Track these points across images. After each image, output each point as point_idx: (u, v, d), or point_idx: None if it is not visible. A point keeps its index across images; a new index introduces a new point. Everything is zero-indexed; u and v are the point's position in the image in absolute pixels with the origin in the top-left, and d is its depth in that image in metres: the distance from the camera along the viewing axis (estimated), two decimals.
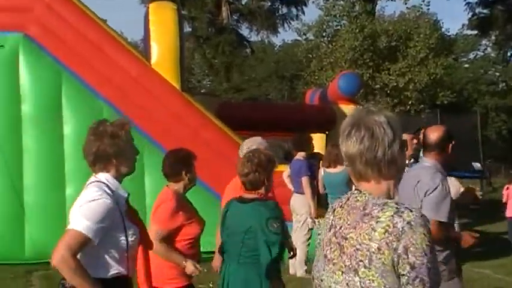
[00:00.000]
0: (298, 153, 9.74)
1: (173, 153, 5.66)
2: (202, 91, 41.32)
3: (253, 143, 6.00)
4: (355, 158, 2.54)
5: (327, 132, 13.76)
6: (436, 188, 4.75)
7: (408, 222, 2.37)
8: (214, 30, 39.72)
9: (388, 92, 30.05)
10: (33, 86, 10.51)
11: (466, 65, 44.32)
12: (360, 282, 2.42)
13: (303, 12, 39.38)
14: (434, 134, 5.01)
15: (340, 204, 2.62)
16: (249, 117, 13.23)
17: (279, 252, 4.69)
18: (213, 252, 10.18)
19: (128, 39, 18.90)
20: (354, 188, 2.69)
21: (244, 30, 41.85)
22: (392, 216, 2.40)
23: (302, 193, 9.49)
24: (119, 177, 3.81)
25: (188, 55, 35.51)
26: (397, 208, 2.43)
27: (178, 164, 5.37)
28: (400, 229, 2.36)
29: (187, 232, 5.29)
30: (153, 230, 5.00)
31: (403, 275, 2.36)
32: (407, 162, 7.76)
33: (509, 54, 39.66)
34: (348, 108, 13.37)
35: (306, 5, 38.85)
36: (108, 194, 3.62)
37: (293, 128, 11.94)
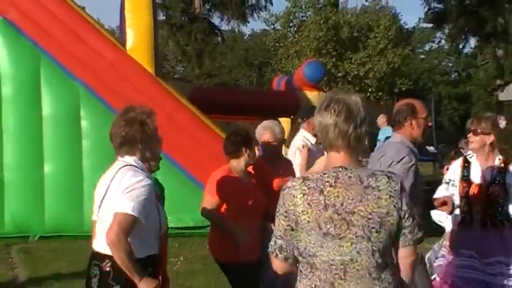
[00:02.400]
0: None
1: (234, 131, 5.56)
2: (175, 76, 40.94)
3: (270, 123, 5.96)
4: (329, 127, 2.65)
5: (292, 117, 13.71)
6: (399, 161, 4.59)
7: (399, 184, 2.66)
8: (187, 19, 39.57)
9: (350, 79, 30.29)
10: (12, 68, 10.33)
11: (422, 56, 44.73)
12: (372, 246, 2.58)
13: (271, 3, 39.48)
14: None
15: (330, 183, 2.64)
16: (220, 102, 13.21)
17: None
18: (182, 228, 10.06)
19: (104, 25, 18.63)
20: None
21: (216, 19, 41.83)
22: (388, 182, 2.63)
23: None
24: (145, 162, 3.83)
25: (162, 42, 35.31)
26: (384, 174, 2.69)
27: (240, 141, 5.29)
28: (399, 190, 2.63)
29: (241, 206, 5.16)
30: (207, 200, 5.10)
31: (408, 226, 2.68)
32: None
33: (461, 46, 40.07)
34: (312, 95, 13.47)
35: None
36: (146, 175, 3.67)
37: (261, 113, 11.92)
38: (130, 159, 3.74)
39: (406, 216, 2.65)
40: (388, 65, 30.28)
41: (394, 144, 4.75)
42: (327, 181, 2.63)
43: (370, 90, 30.31)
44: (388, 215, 2.59)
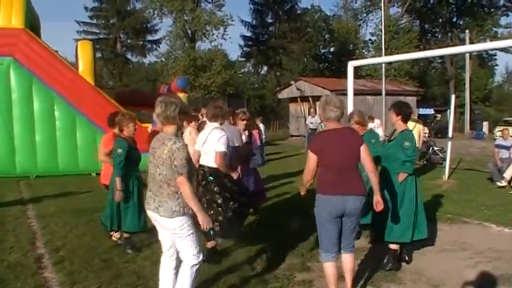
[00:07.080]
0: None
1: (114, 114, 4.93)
2: (108, 87, 38.53)
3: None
4: (159, 115, 2.71)
5: None
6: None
7: (177, 148, 2.60)
8: (113, 55, 37.66)
9: (202, 87, 30.88)
10: (18, 85, 9.88)
11: (240, 75, 45.20)
12: (159, 170, 2.65)
13: (159, 47, 38.74)
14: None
15: (157, 137, 2.76)
16: (131, 99, 13.02)
17: None
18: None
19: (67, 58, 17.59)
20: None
21: (129, 55, 40.16)
22: (172, 144, 2.61)
23: None
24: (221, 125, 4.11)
25: (99, 68, 32.98)
26: (174, 141, 2.63)
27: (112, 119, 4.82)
28: (175, 150, 2.59)
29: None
30: (102, 149, 4.84)
31: (175, 166, 2.60)
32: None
33: (259, 71, 41.30)
34: (182, 96, 12.79)
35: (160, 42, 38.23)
36: (225, 132, 4.02)
37: (153, 105, 11.59)
38: (216, 124, 4.07)
39: (174, 163, 2.59)
40: (222, 79, 31.15)
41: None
42: (158, 136, 2.78)
43: (213, 92, 31.13)
44: (167, 159, 2.59)
